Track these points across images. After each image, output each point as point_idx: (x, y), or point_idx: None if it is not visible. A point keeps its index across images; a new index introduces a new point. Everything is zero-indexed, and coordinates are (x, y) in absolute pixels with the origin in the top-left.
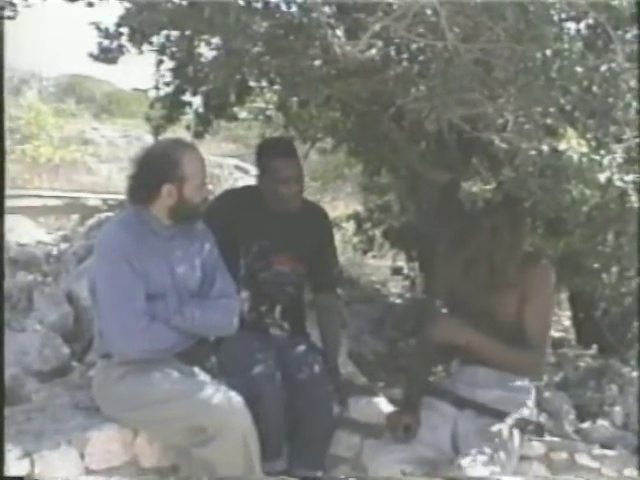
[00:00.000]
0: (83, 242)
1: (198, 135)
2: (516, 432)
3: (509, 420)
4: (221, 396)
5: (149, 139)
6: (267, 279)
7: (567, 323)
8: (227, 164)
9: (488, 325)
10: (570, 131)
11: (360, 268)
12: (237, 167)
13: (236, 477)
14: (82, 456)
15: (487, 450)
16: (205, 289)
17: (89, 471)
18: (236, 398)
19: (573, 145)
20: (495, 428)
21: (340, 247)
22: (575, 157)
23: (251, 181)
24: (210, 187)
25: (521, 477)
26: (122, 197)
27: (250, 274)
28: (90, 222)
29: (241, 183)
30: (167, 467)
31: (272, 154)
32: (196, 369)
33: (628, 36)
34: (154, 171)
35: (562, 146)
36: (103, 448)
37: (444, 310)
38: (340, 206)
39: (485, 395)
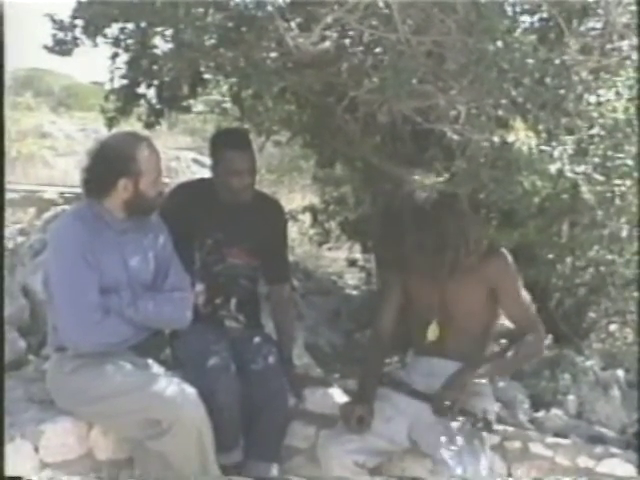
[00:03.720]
0: (39, 236)
1: (149, 125)
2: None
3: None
4: (174, 388)
5: (106, 132)
6: (221, 272)
7: None
8: (184, 157)
9: (450, 317)
10: (519, 122)
11: (316, 260)
12: (194, 160)
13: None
14: (37, 449)
15: (458, 441)
16: (159, 282)
17: (44, 464)
18: (189, 390)
19: (521, 137)
20: (457, 424)
21: (297, 239)
22: (526, 148)
23: (208, 174)
24: (167, 180)
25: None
26: (79, 190)
27: (205, 267)
28: (46, 215)
29: (198, 176)
30: (122, 460)
31: (226, 145)
32: (150, 361)
33: (581, 29)
34: (110, 165)
35: (511, 138)
36: (58, 441)
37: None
38: (297, 198)
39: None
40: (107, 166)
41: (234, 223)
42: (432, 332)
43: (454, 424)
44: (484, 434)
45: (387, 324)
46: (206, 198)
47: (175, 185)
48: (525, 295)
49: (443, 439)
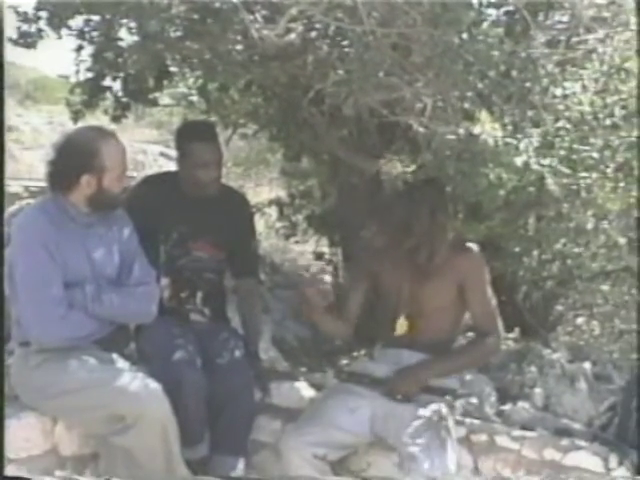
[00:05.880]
0: (2, 229)
1: (116, 119)
2: (445, 410)
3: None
4: (138, 383)
5: (73, 126)
6: (186, 265)
7: None
8: (151, 150)
9: (419, 311)
10: (485, 115)
11: (283, 254)
12: (161, 154)
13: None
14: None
15: (425, 434)
16: (123, 276)
17: (8, 460)
18: (153, 385)
19: (487, 129)
20: (427, 411)
21: (264, 233)
22: (491, 141)
23: (175, 167)
24: (134, 174)
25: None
26: (44, 184)
27: (170, 261)
28: (11, 209)
29: (165, 169)
30: (87, 455)
31: (191, 137)
32: (115, 356)
33: (547, 22)
34: (73, 161)
35: (477, 130)
36: (22, 437)
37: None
38: (264, 191)
39: None
40: (70, 162)
41: (199, 216)
42: (400, 326)
43: (421, 413)
44: (451, 427)
45: (352, 306)
46: (171, 191)
47: (141, 178)
48: (490, 295)
49: (410, 432)
